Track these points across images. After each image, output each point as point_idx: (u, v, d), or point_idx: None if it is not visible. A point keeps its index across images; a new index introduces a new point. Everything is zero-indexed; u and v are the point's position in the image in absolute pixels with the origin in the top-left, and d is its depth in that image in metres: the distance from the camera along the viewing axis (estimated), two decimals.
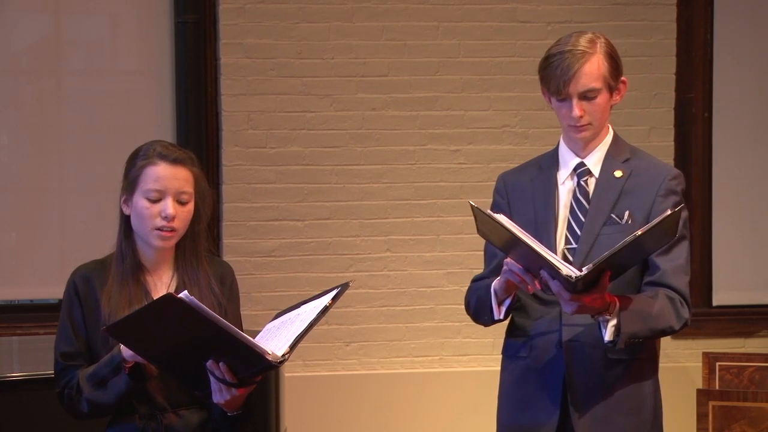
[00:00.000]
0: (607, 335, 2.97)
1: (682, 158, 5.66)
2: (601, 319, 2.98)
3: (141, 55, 5.38)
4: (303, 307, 2.89)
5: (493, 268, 3.24)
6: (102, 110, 5.31)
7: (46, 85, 5.34)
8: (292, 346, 2.73)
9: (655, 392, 3.18)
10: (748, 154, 5.71)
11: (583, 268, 2.85)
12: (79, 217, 5.32)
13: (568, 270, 2.84)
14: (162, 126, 5.27)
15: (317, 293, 2.92)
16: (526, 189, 3.23)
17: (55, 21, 5.33)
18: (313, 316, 2.78)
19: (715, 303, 5.70)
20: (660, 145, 5.60)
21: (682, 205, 2.99)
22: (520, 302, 3.17)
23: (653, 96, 5.60)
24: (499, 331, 5.03)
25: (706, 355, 5.09)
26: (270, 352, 2.72)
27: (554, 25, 5.43)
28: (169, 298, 2.65)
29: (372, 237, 5.40)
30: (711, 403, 4.59)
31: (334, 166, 5.37)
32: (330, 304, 2.82)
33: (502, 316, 3.14)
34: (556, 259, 2.87)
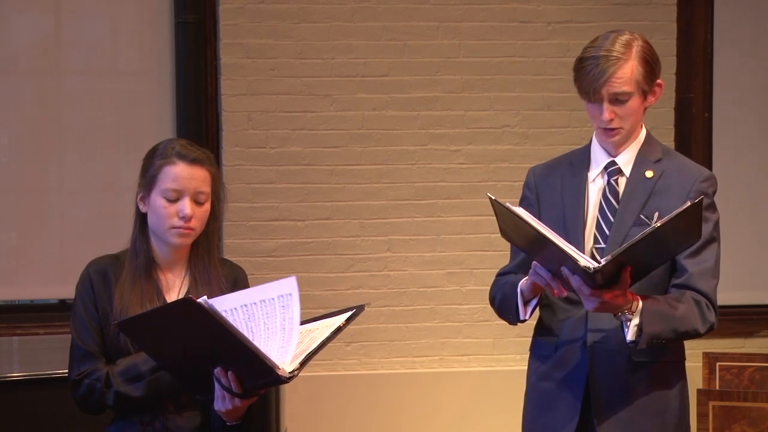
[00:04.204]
0: (630, 335, 2.94)
1: None
2: (623, 318, 2.95)
3: (141, 55, 5.38)
4: (316, 323, 2.88)
5: (519, 263, 3.21)
6: (102, 110, 5.30)
7: (46, 85, 5.33)
8: (303, 363, 2.72)
9: (681, 395, 3.14)
10: (748, 154, 5.71)
11: (602, 260, 2.81)
12: (79, 217, 5.32)
13: (586, 261, 2.81)
14: (162, 126, 5.27)
15: (333, 311, 2.92)
16: (556, 185, 3.19)
17: (55, 21, 5.33)
18: (326, 335, 2.78)
19: None
20: None
21: (701, 197, 2.88)
22: (548, 299, 3.14)
23: None
24: (499, 331, 5.03)
25: (706, 355, 5.09)
26: (280, 367, 2.71)
27: (554, 25, 5.42)
28: (188, 302, 2.64)
29: (372, 237, 5.40)
30: (711, 403, 4.58)
31: (335, 166, 5.37)
32: (343, 325, 2.81)
33: (527, 317, 3.12)
34: (574, 251, 2.83)
